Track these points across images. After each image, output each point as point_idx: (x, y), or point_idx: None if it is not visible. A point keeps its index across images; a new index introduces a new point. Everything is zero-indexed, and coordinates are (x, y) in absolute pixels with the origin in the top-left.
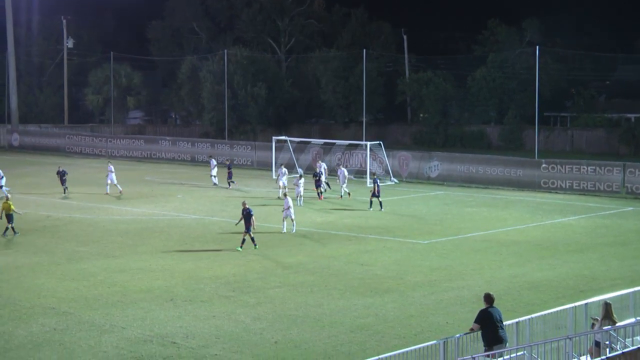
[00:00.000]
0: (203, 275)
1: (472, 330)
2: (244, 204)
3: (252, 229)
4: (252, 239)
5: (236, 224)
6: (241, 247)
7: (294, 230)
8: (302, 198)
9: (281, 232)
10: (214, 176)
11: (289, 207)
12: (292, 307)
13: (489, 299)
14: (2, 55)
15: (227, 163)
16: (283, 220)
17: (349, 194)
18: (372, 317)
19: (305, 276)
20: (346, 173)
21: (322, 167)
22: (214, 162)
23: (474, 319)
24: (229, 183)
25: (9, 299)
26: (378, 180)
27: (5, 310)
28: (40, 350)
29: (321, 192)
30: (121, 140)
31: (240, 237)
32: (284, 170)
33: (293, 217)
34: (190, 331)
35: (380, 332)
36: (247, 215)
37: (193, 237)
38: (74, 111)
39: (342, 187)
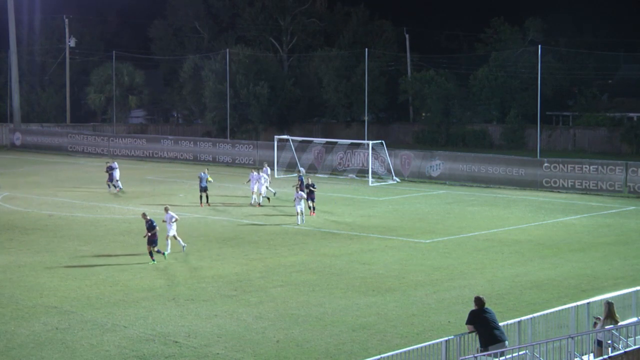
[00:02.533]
0: (205, 274)
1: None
2: (144, 215)
3: (155, 242)
4: (151, 253)
5: (144, 236)
6: (159, 257)
7: (165, 253)
8: (303, 216)
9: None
10: (118, 180)
11: (170, 221)
12: (294, 306)
13: (478, 301)
14: (4, 54)
15: (108, 165)
16: (167, 239)
17: (268, 198)
18: (374, 316)
19: (307, 275)
20: (267, 175)
21: (302, 173)
22: (116, 164)
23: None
24: (108, 185)
25: (11, 298)
26: (303, 178)
27: (7, 309)
28: (43, 349)
29: (314, 208)
30: (123, 140)
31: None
32: (258, 174)
33: (170, 234)
34: (192, 330)
35: (382, 331)
36: (149, 227)
37: (195, 236)
38: (76, 110)
39: (267, 190)
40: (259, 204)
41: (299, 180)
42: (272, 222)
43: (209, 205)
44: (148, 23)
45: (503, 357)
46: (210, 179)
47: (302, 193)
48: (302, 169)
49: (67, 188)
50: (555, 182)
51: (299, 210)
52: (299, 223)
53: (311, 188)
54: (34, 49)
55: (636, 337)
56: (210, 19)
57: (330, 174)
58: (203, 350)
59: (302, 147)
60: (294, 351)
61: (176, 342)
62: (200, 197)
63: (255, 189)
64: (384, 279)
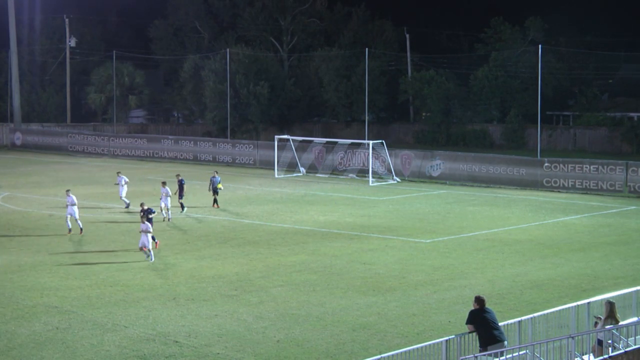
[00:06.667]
0: (205, 274)
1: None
2: None
3: None
4: None
5: None
6: None
7: None
8: (150, 252)
9: None
10: None
11: None
12: (294, 305)
13: (479, 301)
14: (4, 54)
15: None
16: None
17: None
18: (374, 316)
19: (307, 275)
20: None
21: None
22: None
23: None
24: None
25: (11, 297)
26: (184, 181)
27: (7, 309)
28: (43, 349)
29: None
30: (123, 139)
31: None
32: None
33: None
34: (192, 330)
35: (382, 331)
36: None
37: (195, 236)
38: (76, 110)
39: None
40: (169, 218)
41: (179, 184)
42: (272, 222)
43: (217, 207)
44: (148, 23)
45: (503, 357)
46: (220, 185)
47: (149, 225)
48: (121, 177)
49: (67, 188)
50: (555, 182)
51: (141, 245)
52: (147, 258)
53: (148, 215)
54: (34, 48)
55: (636, 337)
56: (210, 18)
57: (331, 173)
58: (203, 350)
59: (303, 147)
60: (295, 351)
61: (176, 342)
62: (214, 200)
63: (163, 205)
64: (384, 278)
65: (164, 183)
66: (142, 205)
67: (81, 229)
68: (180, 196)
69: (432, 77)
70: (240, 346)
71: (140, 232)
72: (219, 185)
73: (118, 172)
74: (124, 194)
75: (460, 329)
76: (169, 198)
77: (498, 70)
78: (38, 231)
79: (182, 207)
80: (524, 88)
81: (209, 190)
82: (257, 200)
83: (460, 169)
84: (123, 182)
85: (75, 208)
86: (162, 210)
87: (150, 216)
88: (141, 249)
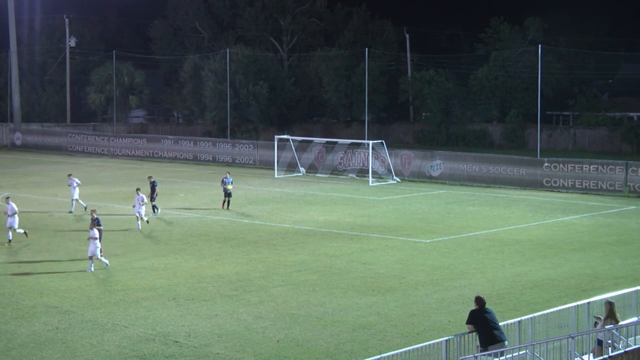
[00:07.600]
0: (205, 274)
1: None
2: None
3: None
4: None
5: None
6: None
7: None
8: (101, 260)
9: None
10: None
11: None
12: (294, 305)
13: (479, 301)
14: (4, 54)
15: None
16: None
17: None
18: (374, 315)
19: (307, 275)
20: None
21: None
22: None
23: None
24: None
25: (11, 297)
26: (156, 183)
27: (7, 309)
28: (43, 349)
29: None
30: (123, 139)
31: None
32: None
33: None
34: (192, 330)
35: (382, 330)
36: None
37: (195, 235)
38: (76, 110)
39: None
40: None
41: (152, 185)
42: (272, 222)
43: (229, 209)
44: (148, 23)
45: (503, 357)
46: (230, 187)
47: (96, 231)
48: (74, 179)
49: (67, 188)
50: (555, 182)
51: (90, 254)
52: (91, 270)
53: (97, 226)
54: (34, 48)
55: (636, 337)
56: (210, 18)
57: (331, 173)
58: (203, 350)
59: (303, 147)
60: (295, 351)
61: (176, 342)
62: (224, 201)
63: (137, 215)
64: (384, 278)
65: (138, 190)
66: (92, 213)
67: (26, 233)
68: (152, 198)
69: (432, 77)
70: (240, 346)
71: (89, 239)
72: (229, 187)
73: (69, 175)
74: (76, 196)
75: (460, 329)
76: (143, 206)
77: (498, 70)
78: (38, 231)
79: (155, 209)
80: (524, 88)
81: (223, 189)
82: (257, 200)
83: (460, 169)
84: (75, 184)
85: (16, 217)
86: (137, 220)
87: (99, 227)
88: (90, 258)
